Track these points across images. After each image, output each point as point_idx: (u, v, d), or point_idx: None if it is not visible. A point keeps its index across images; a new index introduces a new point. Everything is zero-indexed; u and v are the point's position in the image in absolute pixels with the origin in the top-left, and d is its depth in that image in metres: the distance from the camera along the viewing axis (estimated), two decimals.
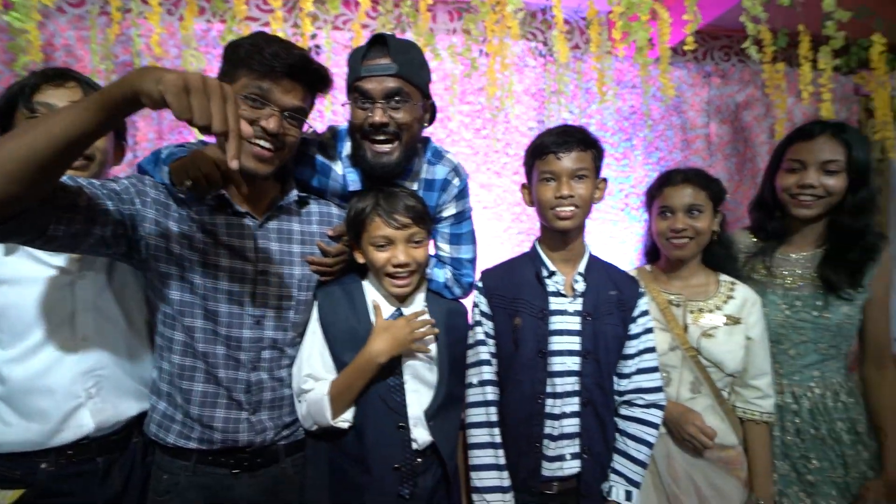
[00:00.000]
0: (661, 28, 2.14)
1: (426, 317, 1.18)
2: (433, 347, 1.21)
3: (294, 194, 1.17)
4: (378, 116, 1.11)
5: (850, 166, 1.31)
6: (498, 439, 1.19)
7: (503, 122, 2.51)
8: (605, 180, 1.25)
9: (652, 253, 1.50)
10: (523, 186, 1.29)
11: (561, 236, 1.23)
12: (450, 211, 1.30)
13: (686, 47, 2.00)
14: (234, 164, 0.76)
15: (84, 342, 1.05)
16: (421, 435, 1.16)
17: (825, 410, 1.36)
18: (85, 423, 1.05)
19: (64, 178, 0.86)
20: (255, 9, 2.45)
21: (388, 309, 1.21)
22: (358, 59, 1.14)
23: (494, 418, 1.20)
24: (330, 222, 1.23)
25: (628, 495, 1.18)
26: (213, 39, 2.34)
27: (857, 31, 2.53)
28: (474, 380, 1.23)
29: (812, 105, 2.60)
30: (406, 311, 1.22)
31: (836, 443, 1.35)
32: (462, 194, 1.31)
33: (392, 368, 1.17)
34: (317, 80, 1.07)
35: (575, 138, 1.19)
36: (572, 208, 1.17)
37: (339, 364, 1.15)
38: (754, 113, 3.09)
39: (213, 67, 2.24)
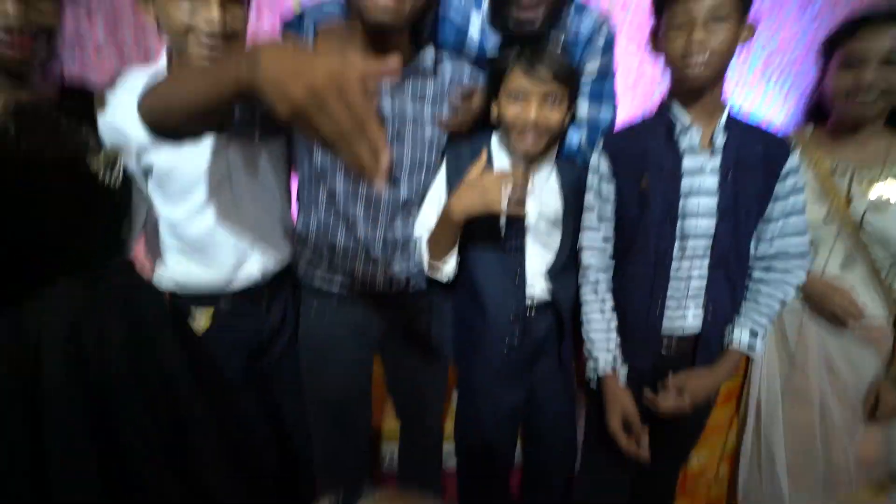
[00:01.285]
0: None
1: (524, 180, 1.07)
2: (559, 210, 1.18)
3: (430, 55, 1.13)
4: None
5: None
6: (607, 306, 1.17)
7: None
8: (752, 27, 1.02)
9: (817, 113, 1.27)
10: (651, 33, 1.09)
11: (696, 87, 1.05)
12: (593, 66, 1.21)
13: None
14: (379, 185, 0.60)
15: (241, 200, 1.11)
16: (538, 293, 1.20)
17: None
18: (253, 271, 1.16)
19: None
20: None
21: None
22: None
23: (596, 277, 1.17)
24: (461, 81, 1.19)
25: (752, 344, 1.12)
26: None
27: None
28: (584, 242, 1.19)
29: None
30: (534, 174, 1.16)
31: None
32: (607, 48, 1.21)
33: (514, 230, 1.17)
34: None
35: None
36: (706, 55, 0.99)
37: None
38: None
39: None
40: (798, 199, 1.10)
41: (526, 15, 1.10)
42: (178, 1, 0.93)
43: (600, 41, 1.19)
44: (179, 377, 0.98)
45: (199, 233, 1.10)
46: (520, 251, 1.18)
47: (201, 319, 1.14)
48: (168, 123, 0.81)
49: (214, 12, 0.93)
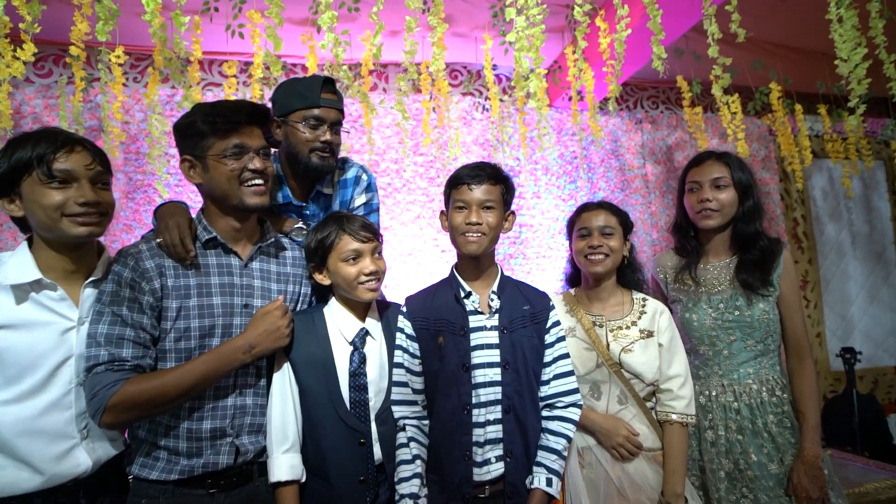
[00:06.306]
0: (586, 83, 2.42)
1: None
2: (384, 354, 1.31)
3: (272, 236, 1.33)
4: (329, 136, 1.44)
5: (734, 182, 1.56)
6: (415, 452, 1.26)
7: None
8: (513, 213, 1.39)
9: (573, 279, 1.66)
10: (441, 213, 1.41)
11: (474, 261, 1.34)
12: (361, 200, 1.57)
13: (608, 96, 2.25)
14: None
15: (79, 387, 1.10)
16: (377, 451, 1.24)
17: (761, 405, 1.49)
18: (82, 461, 1.09)
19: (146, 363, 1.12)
20: (216, 74, 2.64)
21: (352, 332, 1.29)
22: (315, 90, 1.44)
23: (404, 423, 1.28)
24: (303, 265, 1.37)
25: (549, 482, 1.25)
26: (177, 104, 2.49)
27: (758, 80, 2.90)
28: (393, 397, 1.31)
29: (733, 145, 2.89)
30: (369, 327, 1.31)
31: (770, 436, 1.46)
32: (370, 188, 1.60)
33: (359, 385, 1.25)
34: (267, 119, 1.29)
35: (486, 173, 1.31)
36: (479, 235, 1.30)
37: (301, 386, 1.24)
38: (685, 153, 3.40)
39: None
40: (562, 345, 1.37)
41: (325, 155, 1.43)
42: (48, 190, 1.06)
43: (364, 182, 1.59)
44: None
45: (22, 420, 1.04)
46: (363, 407, 1.24)
47: None
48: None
49: (88, 193, 1.09)
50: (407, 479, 1.22)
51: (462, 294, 1.33)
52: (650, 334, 1.45)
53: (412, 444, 1.26)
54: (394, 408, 1.28)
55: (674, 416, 1.41)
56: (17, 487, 1.03)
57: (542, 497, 1.25)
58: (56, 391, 1.08)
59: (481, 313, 1.32)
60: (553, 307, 1.40)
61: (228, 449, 1.17)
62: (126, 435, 1.21)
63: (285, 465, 1.18)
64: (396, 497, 1.22)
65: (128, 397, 1.05)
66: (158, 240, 1.18)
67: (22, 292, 1.07)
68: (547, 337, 1.36)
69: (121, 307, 1.10)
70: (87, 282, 1.14)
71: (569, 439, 1.31)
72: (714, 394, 1.53)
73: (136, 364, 1.10)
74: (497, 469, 1.25)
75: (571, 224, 1.57)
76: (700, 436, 1.53)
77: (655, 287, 1.71)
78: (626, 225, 1.52)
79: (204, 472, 1.15)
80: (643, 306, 1.50)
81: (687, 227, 1.65)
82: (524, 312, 1.34)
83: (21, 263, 1.09)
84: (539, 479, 1.25)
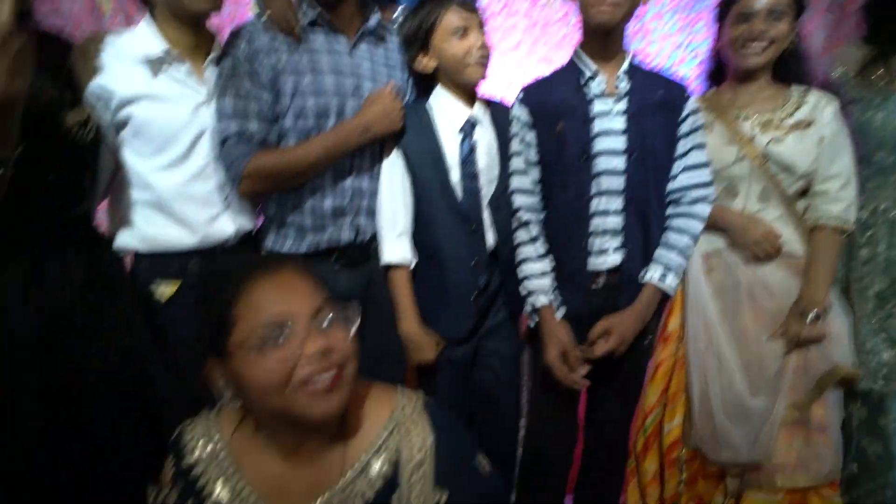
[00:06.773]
0: None
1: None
2: (493, 143, 1.27)
3: (375, 19, 1.26)
4: None
5: None
6: (539, 244, 1.23)
7: None
8: None
9: (716, 76, 1.42)
10: None
11: (603, 37, 1.17)
12: None
13: None
14: None
15: (218, 158, 1.16)
16: (489, 238, 1.27)
17: None
18: (227, 227, 1.19)
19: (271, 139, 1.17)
20: None
21: (460, 120, 1.24)
22: None
23: (527, 218, 1.23)
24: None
25: (663, 276, 1.20)
26: None
27: None
28: (512, 187, 1.26)
29: None
30: (477, 115, 1.25)
31: None
32: None
33: (470, 174, 1.23)
34: None
35: None
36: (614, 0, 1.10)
37: (412, 176, 1.24)
38: None
39: None
40: (697, 136, 1.22)
41: None
42: None
43: None
44: (139, 345, 1.04)
45: (175, 185, 1.14)
46: (474, 196, 1.23)
47: (166, 290, 1.16)
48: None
49: None
50: (537, 275, 1.22)
51: (587, 76, 1.19)
52: (809, 125, 1.24)
53: (539, 241, 1.24)
54: (514, 198, 1.25)
55: (827, 220, 1.24)
56: (178, 244, 1.16)
57: (655, 292, 1.21)
58: (198, 161, 1.16)
59: (608, 97, 1.19)
60: (691, 95, 1.23)
61: (349, 229, 1.24)
62: (260, 212, 1.30)
63: (396, 248, 1.24)
64: (524, 290, 1.24)
65: (260, 168, 1.13)
66: (267, 13, 1.16)
67: (154, 66, 1.11)
68: (681, 127, 1.21)
69: (242, 81, 1.13)
70: (208, 59, 1.17)
71: (693, 237, 1.22)
72: (882, 207, 1.32)
73: (263, 139, 1.15)
74: (613, 260, 1.21)
75: (726, 6, 1.30)
76: (852, 253, 1.34)
77: (827, 87, 1.40)
78: (801, 4, 1.24)
79: (329, 247, 1.23)
80: (803, 97, 1.28)
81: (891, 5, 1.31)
82: (656, 98, 1.19)
83: (149, 36, 1.12)
84: (654, 273, 1.20)
